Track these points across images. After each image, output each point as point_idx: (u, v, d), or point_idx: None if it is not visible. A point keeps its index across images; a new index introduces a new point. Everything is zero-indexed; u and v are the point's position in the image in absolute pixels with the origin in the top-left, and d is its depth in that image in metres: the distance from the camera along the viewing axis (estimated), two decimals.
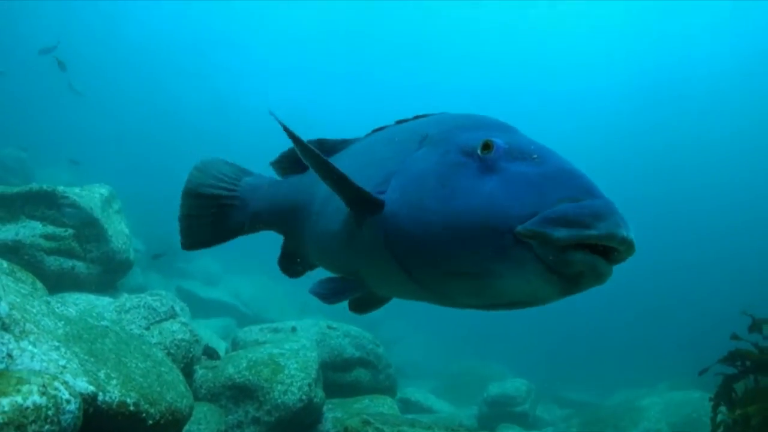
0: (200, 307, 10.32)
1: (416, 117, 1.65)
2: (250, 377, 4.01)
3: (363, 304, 1.84)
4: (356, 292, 1.55)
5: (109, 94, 24.95)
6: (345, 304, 1.81)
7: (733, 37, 25.44)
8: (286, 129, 1.43)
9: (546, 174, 1.08)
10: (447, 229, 1.13)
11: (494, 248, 1.05)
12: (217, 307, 11.24)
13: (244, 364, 4.12)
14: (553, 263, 0.99)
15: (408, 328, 15.81)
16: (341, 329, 5.96)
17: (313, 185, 1.76)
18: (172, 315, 4.31)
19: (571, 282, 1.03)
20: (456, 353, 12.98)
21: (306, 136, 1.58)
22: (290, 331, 5.53)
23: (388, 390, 6.12)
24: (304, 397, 3.97)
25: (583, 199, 1.01)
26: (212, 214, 2.03)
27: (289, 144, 1.67)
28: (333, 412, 4.44)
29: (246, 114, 30.22)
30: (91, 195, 5.87)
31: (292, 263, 2.08)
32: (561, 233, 0.96)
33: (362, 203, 1.35)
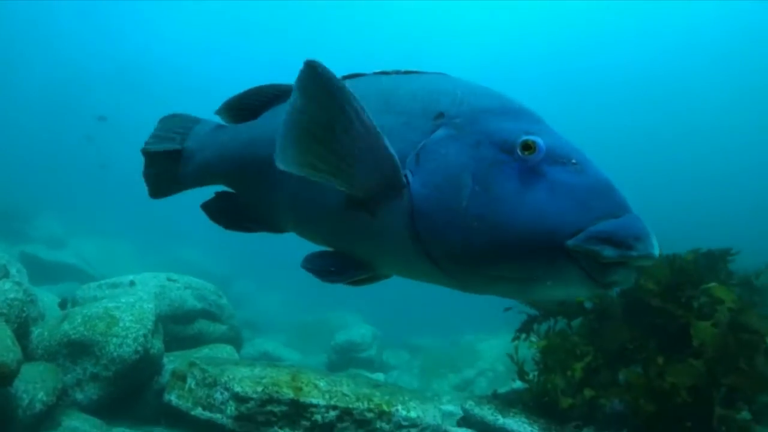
0: (46, 271, 10.01)
1: (407, 72, 1.44)
2: (85, 332, 4.04)
3: (361, 280, 1.56)
4: (362, 275, 1.41)
5: None
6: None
7: None
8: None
9: (588, 186, 1.09)
10: (494, 238, 1.10)
11: (544, 260, 1.07)
12: (63, 270, 10.89)
13: (79, 320, 4.14)
14: (594, 274, 1.05)
15: (260, 283, 15.93)
16: (182, 281, 5.95)
17: None
18: (5, 274, 4.31)
19: (604, 287, 1.09)
20: (309, 306, 13.19)
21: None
22: (129, 286, 5.51)
23: (233, 341, 6.18)
24: (139, 348, 4.04)
25: (621, 214, 1.06)
26: (162, 171, 1.92)
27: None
28: (173, 363, 4.45)
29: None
30: None
31: (241, 220, 1.81)
32: (610, 253, 1.02)
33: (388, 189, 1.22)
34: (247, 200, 1.78)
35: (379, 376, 8.01)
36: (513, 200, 1.09)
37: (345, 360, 9.00)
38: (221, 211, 1.82)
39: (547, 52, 30.15)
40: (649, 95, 28.84)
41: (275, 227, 1.74)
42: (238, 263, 16.60)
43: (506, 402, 4.45)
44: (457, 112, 1.23)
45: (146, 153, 1.92)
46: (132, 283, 5.59)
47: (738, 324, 3.06)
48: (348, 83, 1.28)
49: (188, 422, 3.61)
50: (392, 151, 1.19)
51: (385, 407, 3.54)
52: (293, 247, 1.82)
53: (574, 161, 1.12)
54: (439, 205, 1.15)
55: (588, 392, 3.65)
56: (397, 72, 1.44)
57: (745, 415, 3.15)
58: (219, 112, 1.82)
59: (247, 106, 1.74)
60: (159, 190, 1.96)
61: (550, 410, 4.21)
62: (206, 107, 2.08)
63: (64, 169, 22.56)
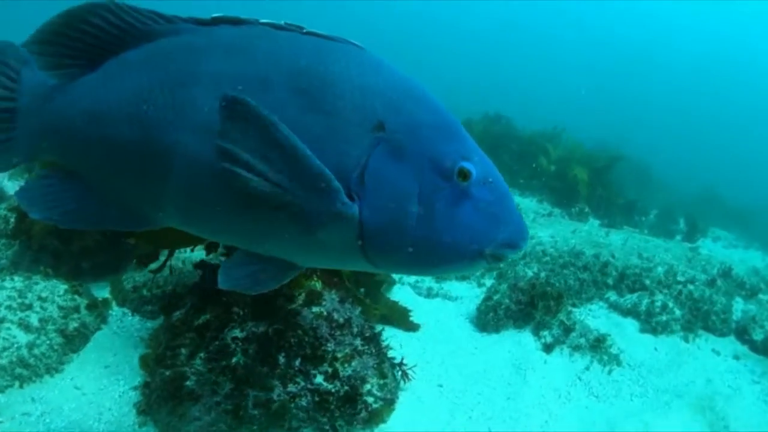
0: None
1: (309, 33, 1.19)
2: None
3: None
4: (289, 277, 1.31)
5: None
6: None
7: None
8: None
9: (498, 200, 1.24)
10: (434, 253, 1.20)
11: (469, 263, 1.25)
12: None
13: None
14: (493, 263, 1.27)
15: None
16: None
17: (170, 102, 1.15)
18: None
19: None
20: None
21: None
22: None
23: None
24: None
25: (515, 219, 1.26)
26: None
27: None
28: None
29: None
30: None
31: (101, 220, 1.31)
32: (511, 254, 1.24)
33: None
34: (102, 191, 1.29)
35: None
36: (450, 221, 1.19)
37: None
38: (81, 210, 1.29)
39: None
40: None
41: (140, 222, 1.31)
42: None
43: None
44: (396, 124, 1.17)
45: None
46: None
47: None
48: (235, 33, 1.18)
49: None
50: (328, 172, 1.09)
51: None
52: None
53: (490, 180, 1.24)
54: (388, 228, 1.17)
55: None
56: (292, 28, 1.20)
57: None
58: (32, 50, 1.20)
59: (73, 49, 1.21)
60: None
61: None
62: None
63: None
